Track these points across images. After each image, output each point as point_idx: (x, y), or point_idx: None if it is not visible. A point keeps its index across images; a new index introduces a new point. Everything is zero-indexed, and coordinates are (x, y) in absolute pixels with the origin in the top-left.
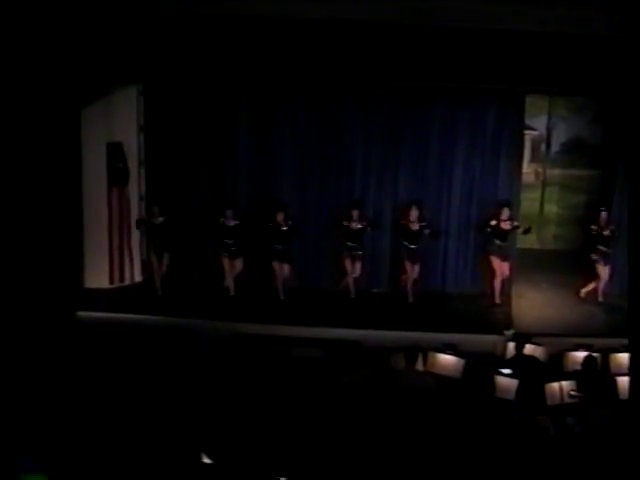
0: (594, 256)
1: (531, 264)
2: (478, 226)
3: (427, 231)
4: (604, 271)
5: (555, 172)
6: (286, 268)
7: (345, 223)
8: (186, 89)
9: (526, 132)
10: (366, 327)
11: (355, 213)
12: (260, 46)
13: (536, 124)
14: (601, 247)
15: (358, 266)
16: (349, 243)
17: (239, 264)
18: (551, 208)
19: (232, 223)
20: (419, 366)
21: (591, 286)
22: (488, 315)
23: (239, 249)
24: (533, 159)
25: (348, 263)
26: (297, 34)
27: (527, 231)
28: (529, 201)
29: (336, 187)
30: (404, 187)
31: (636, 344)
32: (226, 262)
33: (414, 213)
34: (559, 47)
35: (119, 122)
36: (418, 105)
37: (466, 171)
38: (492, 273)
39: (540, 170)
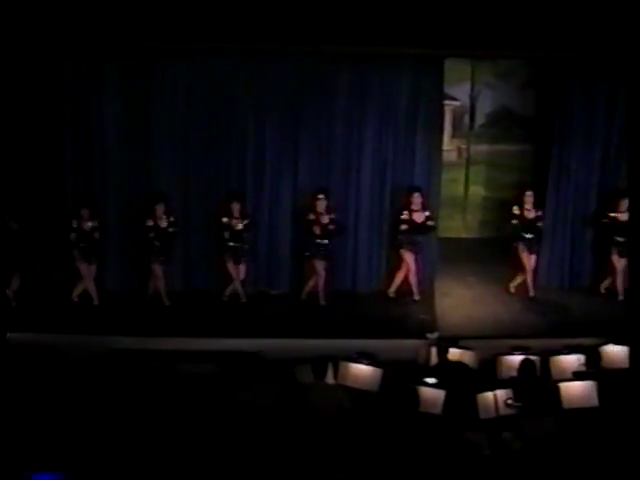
0: (517, 244)
1: (456, 256)
2: (393, 219)
3: (332, 227)
4: (530, 261)
5: (481, 148)
6: (165, 268)
7: (225, 220)
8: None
9: (446, 103)
10: (265, 335)
11: (235, 207)
12: None
13: (457, 93)
14: (525, 234)
15: (242, 268)
16: (229, 243)
17: (93, 269)
18: (477, 190)
19: (88, 225)
20: (329, 379)
21: (519, 279)
22: (408, 317)
23: (94, 252)
24: (455, 134)
25: (230, 266)
26: None
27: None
28: (452, 183)
29: (225, 175)
30: (304, 173)
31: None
32: (83, 267)
33: (321, 204)
34: (482, 2)
35: None
36: (319, 74)
37: (377, 150)
38: (406, 269)
39: (463, 146)
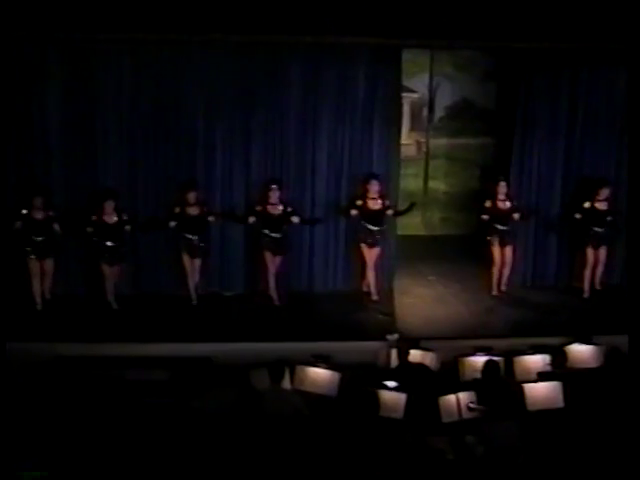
0: (490, 237)
1: (415, 254)
2: (345, 208)
3: (296, 218)
4: (501, 255)
5: (440, 142)
6: (117, 270)
7: (178, 209)
8: None
9: (404, 95)
10: (219, 339)
11: (191, 196)
12: None
13: (416, 85)
14: (498, 225)
15: (197, 263)
16: (186, 235)
17: (49, 266)
18: (437, 185)
19: (41, 215)
20: (286, 384)
21: (496, 275)
22: (366, 318)
23: (50, 247)
24: (413, 127)
25: (186, 260)
26: None
27: (408, 209)
28: (410, 178)
29: (174, 170)
30: (258, 163)
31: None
32: (34, 265)
33: (274, 194)
34: None
35: None
36: (272, 63)
37: (333, 144)
38: (364, 265)
39: (422, 140)
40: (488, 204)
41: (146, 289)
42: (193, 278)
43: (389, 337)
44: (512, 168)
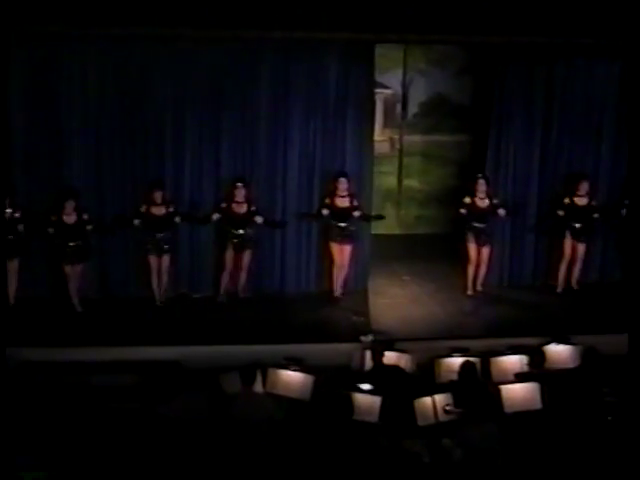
0: (467, 235)
1: (390, 253)
2: (316, 210)
3: (259, 218)
4: (477, 254)
5: (414, 139)
6: (79, 270)
7: (144, 208)
8: None
9: (377, 91)
10: (188, 343)
11: (157, 195)
12: None
13: (389, 81)
14: (475, 223)
15: (165, 264)
16: (151, 234)
17: (13, 267)
18: (411, 184)
19: (8, 215)
20: (258, 387)
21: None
22: (340, 319)
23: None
24: (387, 124)
25: (152, 260)
26: None
27: (376, 218)
28: (384, 176)
29: (142, 168)
30: (228, 161)
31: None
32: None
33: (240, 193)
34: None
35: None
36: (242, 59)
37: (305, 142)
38: (332, 264)
39: (396, 137)
40: (467, 200)
41: (113, 292)
42: (160, 279)
43: (363, 339)
44: (487, 165)
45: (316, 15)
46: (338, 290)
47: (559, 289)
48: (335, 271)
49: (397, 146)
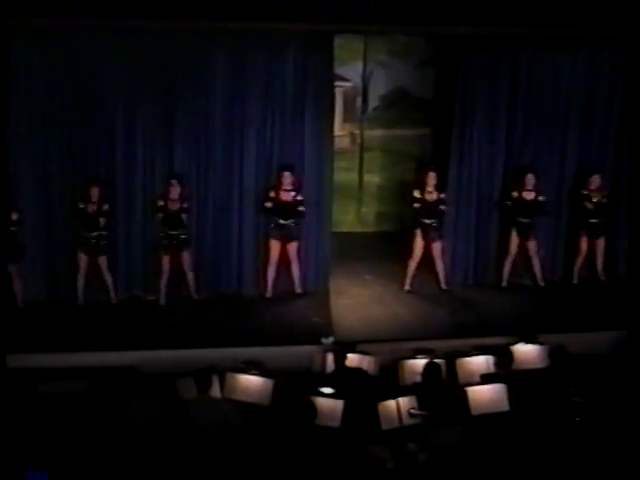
0: (415, 230)
1: (350, 252)
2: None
3: (184, 215)
4: (424, 250)
5: (375, 133)
6: (16, 270)
7: (81, 205)
8: None
9: (336, 84)
10: (141, 347)
11: (94, 192)
12: None
13: (349, 73)
14: (424, 219)
15: (104, 264)
16: (84, 232)
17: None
18: (372, 179)
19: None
20: (215, 393)
21: (412, 272)
22: (299, 321)
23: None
24: (347, 118)
25: (82, 260)
26: None
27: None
28: (344, 171)
29: (92, 161)
30: (182, 156)
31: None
32: None
33: (174, 190)
34: None
35: None
36: (196, 51)
37: (262, 136)
38: (267, 262)
39: (356, 132)
40: (417, 194)
41: (62, 295)
42: (106, 279)
43: (324, 341)
44: (451, 160)
45: (273, 5)
46: (269, 289)
47: (503, 283)
48: (269, 270)
49: (357, 141)
